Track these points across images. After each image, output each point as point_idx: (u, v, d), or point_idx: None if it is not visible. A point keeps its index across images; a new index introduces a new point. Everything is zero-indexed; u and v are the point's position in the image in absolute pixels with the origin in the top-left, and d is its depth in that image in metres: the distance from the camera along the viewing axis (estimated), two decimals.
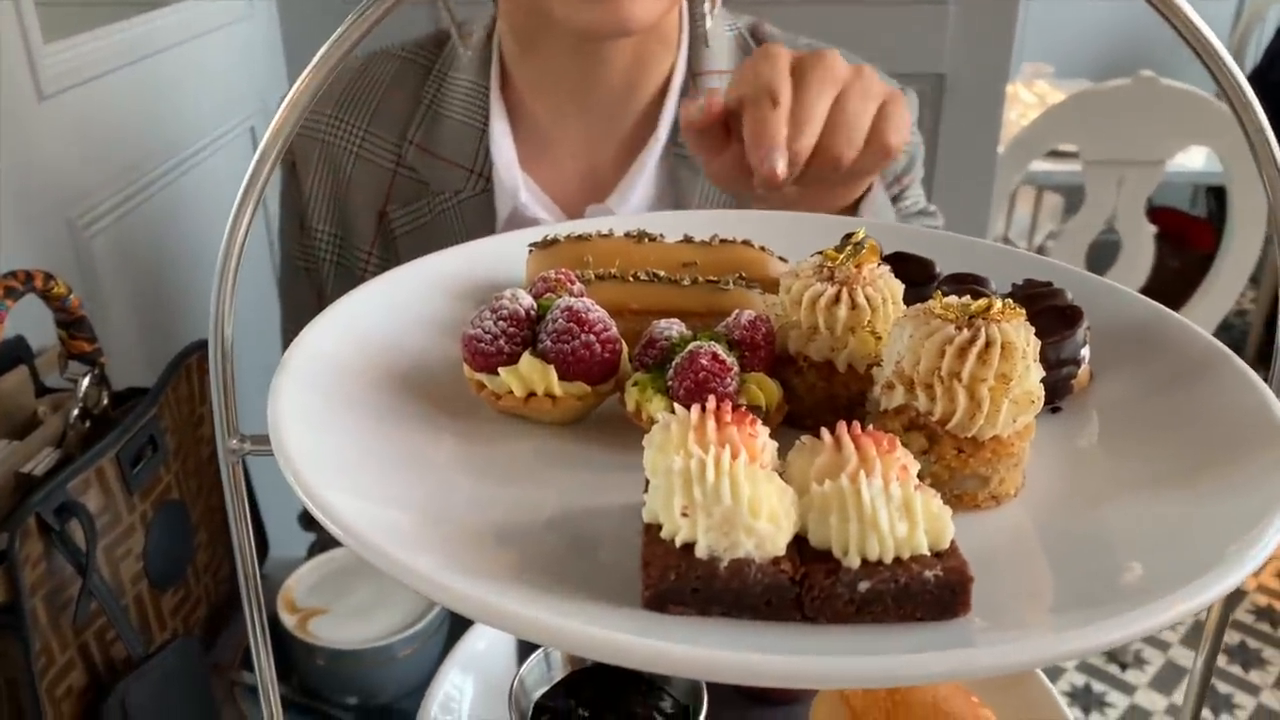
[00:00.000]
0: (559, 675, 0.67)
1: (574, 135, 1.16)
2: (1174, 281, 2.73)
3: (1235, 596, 0.48)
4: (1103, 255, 2.65)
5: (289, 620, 1.06)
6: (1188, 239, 3.42)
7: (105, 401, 1.06)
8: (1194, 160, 2.97)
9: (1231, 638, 2.68)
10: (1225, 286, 2.48)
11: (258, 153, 0.51)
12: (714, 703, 0.65)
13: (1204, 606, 0.41)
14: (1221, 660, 2.62)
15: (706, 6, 1.13)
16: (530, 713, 0.65)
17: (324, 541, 1.33)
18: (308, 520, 1.40)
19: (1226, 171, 2.42)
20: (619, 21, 0.97)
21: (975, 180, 1.96)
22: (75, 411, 1.02)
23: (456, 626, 1.11)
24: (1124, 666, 2.62)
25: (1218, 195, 3.63)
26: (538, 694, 0.66)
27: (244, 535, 0.57)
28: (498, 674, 0.78)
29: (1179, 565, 0.43)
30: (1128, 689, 2.56)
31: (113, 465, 0.99)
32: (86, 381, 1.04)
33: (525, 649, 0.78)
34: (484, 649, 0.80)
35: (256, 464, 1.23)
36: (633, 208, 1.14)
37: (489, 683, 0.77)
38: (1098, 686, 2.56)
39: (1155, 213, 2.60)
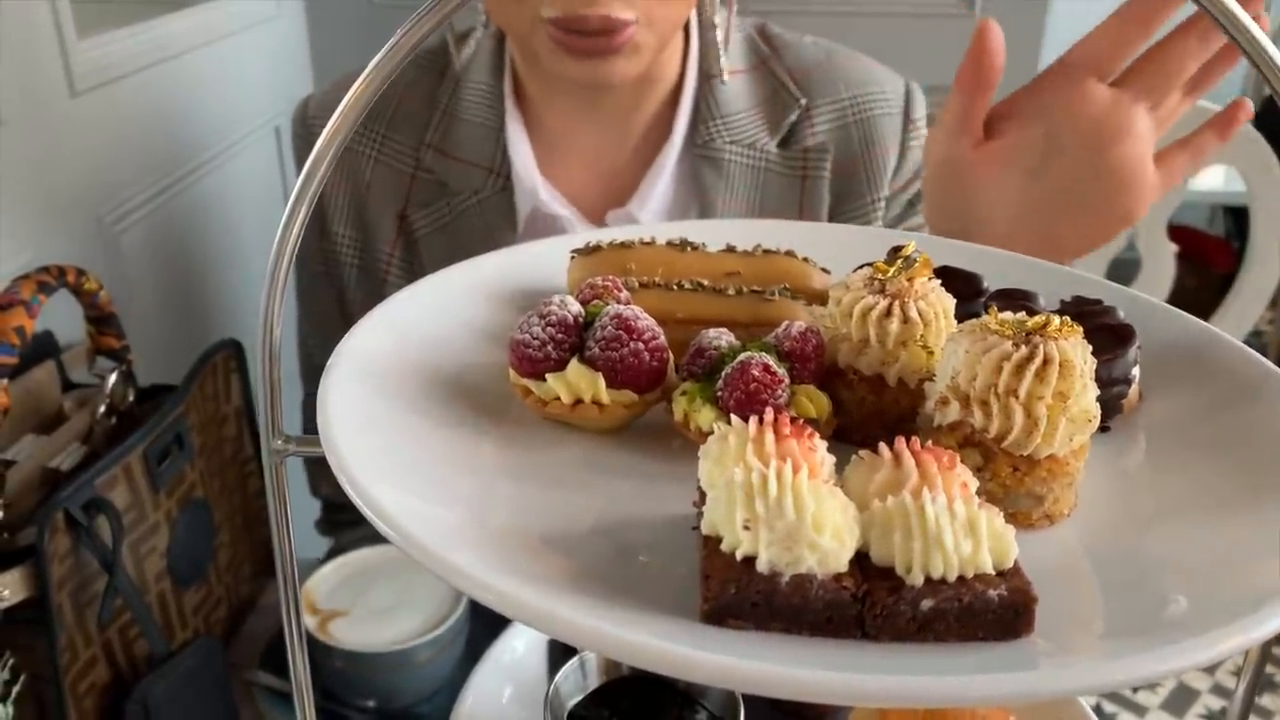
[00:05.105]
0: (594, 684, 0.67)
1: (587, 142, 1.18)
2: (1192, 300, 2.71)
3: None
4: (1123, 273, 2.63)
5: (310, 622, 1.06)
6: (1205, 258, 3.40)
7: (131, 398, 1.06)
8: (1213, 179, 2.95)
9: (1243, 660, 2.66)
10: (1245, 307, 2.46)
11: (311, 158, 0.51)
12: (749, 715, 0.65)
13: (1259, 641, 0.40)
14: (1232, 682, 2.60)
15: (719, 20, 1.16)
16: None
17: (342, 545, 1.33)
18: (325, 526, 1.40)
19: (1249, 190, 2.41)
20: (603, 78, 1.02)
21: None
22: (102, 408, 1.02)
23: (477, 631, 1.11)
24: (1135, 688, 2.60)
25: (1235, 215, 3.62)
26: (572, 702, 0.66)
27: (284, 537, 0.57)
28: (529, 680, 0.77)
29: (1233, 597, 0.42)
30: (1140, 710, 2.54)
31: (140, 462, 0.99)
32: (114, 378, 1.04)
33: (557, 656, 0.77)
34: (518, 655, 0.80)
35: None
36: (653, 210, 1.16)
37: (521, 688, 0.76)
38: (1109, 707, 2.55)
39: (1172, 231, 2.58)
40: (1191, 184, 2.52)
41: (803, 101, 1.16)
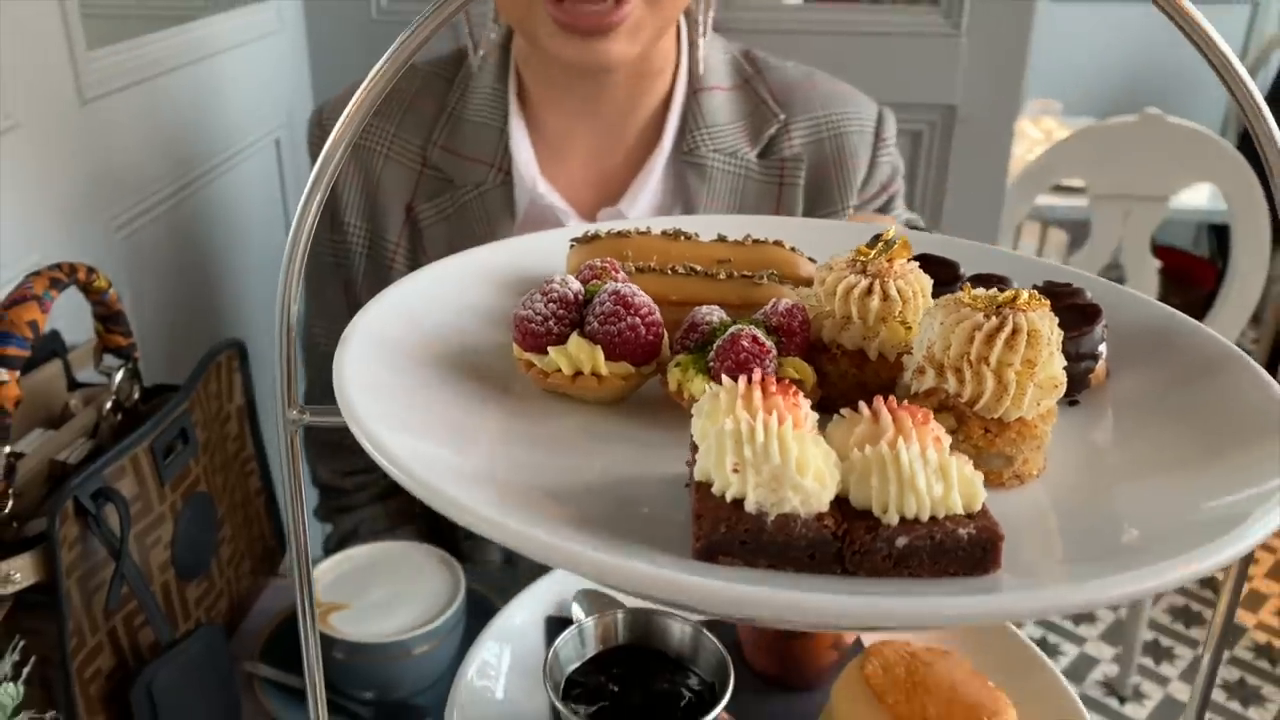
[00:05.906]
0: (590, 653, 0.70)
1: (583, 144, 1.26)
2: None
3: (1235, 631, 0.49)
4: None
5: None
6: (1189, 277, 3.46)
7: (136, 396, 1.09)
8: (1197, 198, 3.01)
9: (1230, 674, 2.69)
10: (1228, 323, 2.50)
11: (326, 147, 0.54)
12: (737, 684, 0.68)
13: (1215, 568, 0.43)
14: (1221, 696, 2.62)
15: (700, 32, 1.24)
16: (563, 685, 0.67)
17: (342, 535, 1.36)
18: (323, 512, 1.43)
19: (1230, 209, 2.46)
20: (598, 57, 1.09)
21: (984, 212, 2.00)
22: (109, 404, 1.05)
23: (473, 623, 1.13)
24: (1123, 700, 2.62)
25: (1219, 235, 3.68)
26: (570, 669, 0.69)
27: (298, 506, 0.60)
28: (530, 648, 0.80)
29: (1188, 534, 0.45)
30: None
31: (146, 455, 1.02)
32: (121, 374, 1.07)
33: (553, 629, 0.80)
34: (519, 624, 0.84)
35: (272, 463, 1.27)
36: (642, 209, 1.24)
37: (522, 654, 0.80)
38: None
39: (1158, 251, 2.64)
40: (1175, 202, 2.57)
41: (781, 116, 1.25)
